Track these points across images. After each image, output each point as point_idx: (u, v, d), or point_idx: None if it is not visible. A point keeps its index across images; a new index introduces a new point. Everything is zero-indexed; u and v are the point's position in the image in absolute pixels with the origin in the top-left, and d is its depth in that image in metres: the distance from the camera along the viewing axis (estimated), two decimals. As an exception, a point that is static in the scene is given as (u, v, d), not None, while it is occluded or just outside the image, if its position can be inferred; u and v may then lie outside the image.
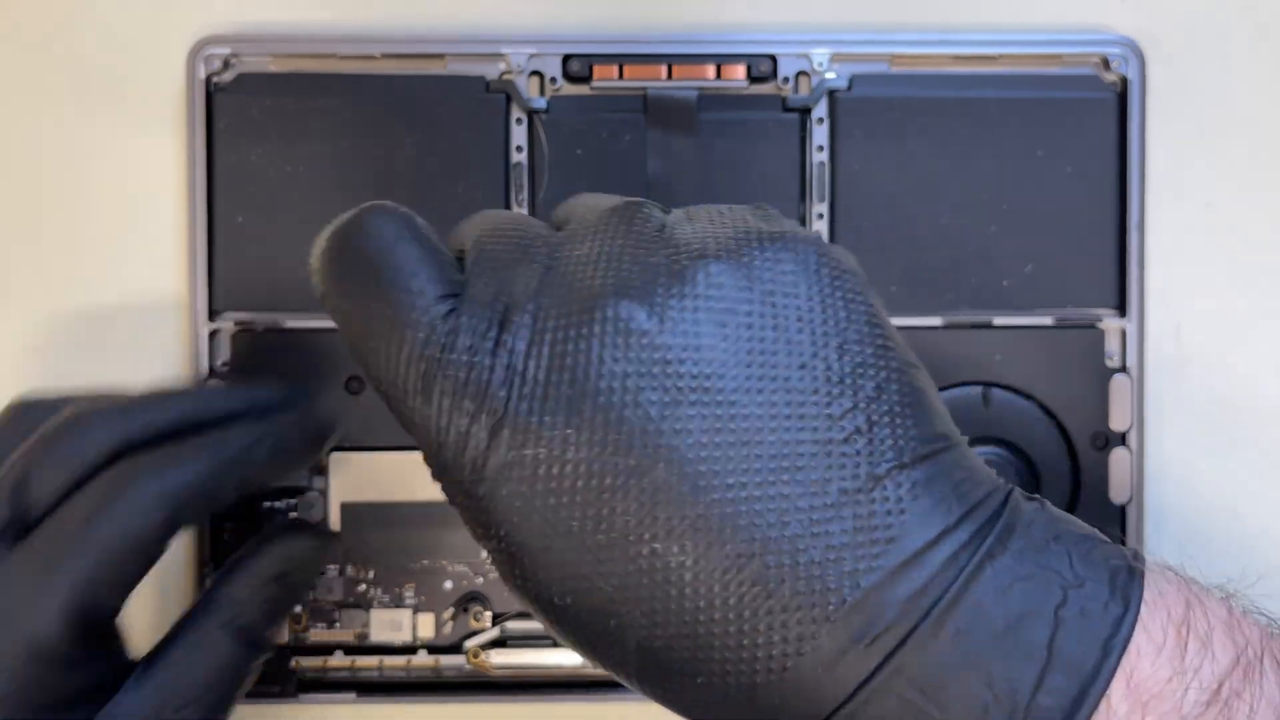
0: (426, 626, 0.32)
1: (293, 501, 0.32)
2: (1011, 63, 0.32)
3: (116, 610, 0.24)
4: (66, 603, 0.22)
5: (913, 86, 0.32)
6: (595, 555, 0.17)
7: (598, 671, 0.32)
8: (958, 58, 0.32)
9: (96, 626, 0.23)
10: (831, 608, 0.16)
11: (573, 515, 0.17)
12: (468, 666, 0.32)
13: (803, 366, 0.18)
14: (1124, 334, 0.32)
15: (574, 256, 0.19)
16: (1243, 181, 0.33)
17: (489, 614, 0.32)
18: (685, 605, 0.17)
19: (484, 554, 0.32)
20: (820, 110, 0.32)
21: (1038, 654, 0.16)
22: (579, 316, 0.18)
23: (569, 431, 0.17)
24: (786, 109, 0.32)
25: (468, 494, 0.18)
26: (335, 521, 0.32)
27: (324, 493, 0.32)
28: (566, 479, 0.17)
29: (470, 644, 0.32)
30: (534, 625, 0.32)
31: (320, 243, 0.20)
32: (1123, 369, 0.32)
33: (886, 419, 0.18)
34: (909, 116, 0.32)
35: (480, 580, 0.32)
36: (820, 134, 0.32)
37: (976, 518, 0.17)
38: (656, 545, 0.17)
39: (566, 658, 0.32)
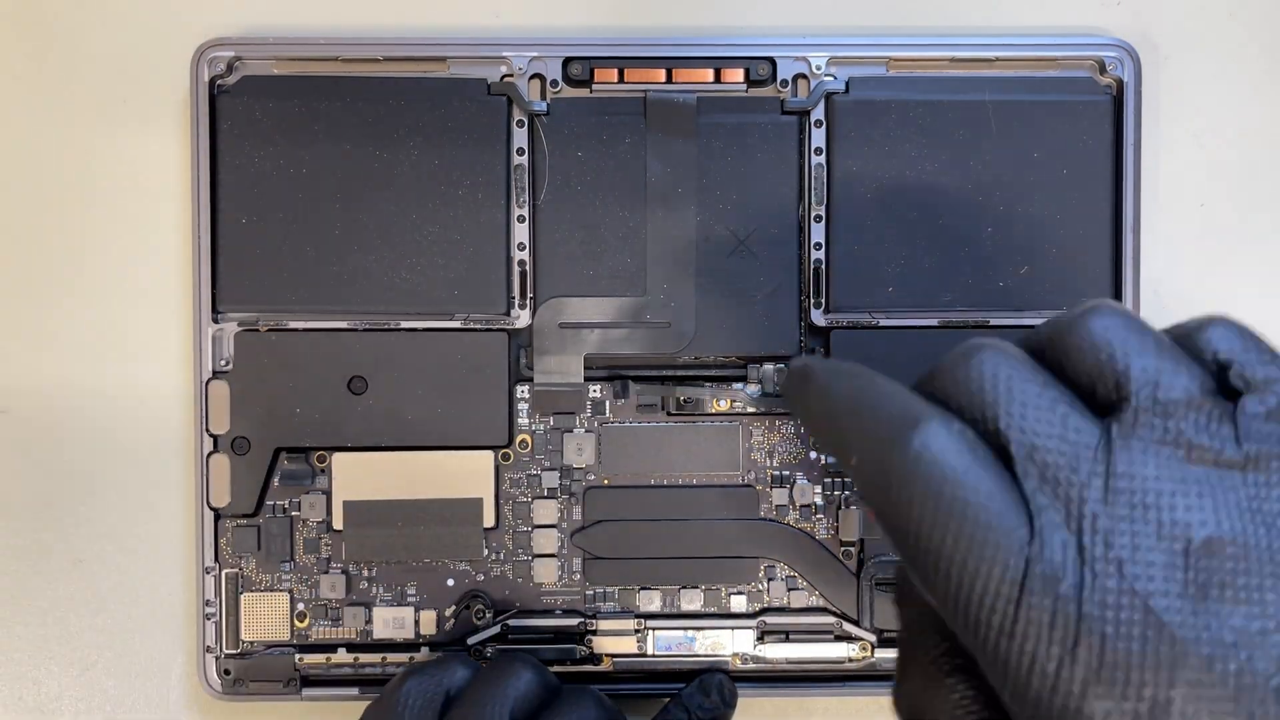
0: (429, 624, 0.32)
1: (296, 500, 0.32)
2: (1007, 65, 0.32)
3: None
4: None
5: (910, 89, 0.32)
6: None
7: (594, 668, 0.33)
8: (954, 60, 0.32)
9: None
10: None
11: None
12: (469, 663, 0.32)
13: None
14: (1119, 334, 0.32)
15: (1140, 476, 0.18)
16: (1236, 183, 0.33)
17: (491, 611, 0.32)
18: None
19: (485, 551, 0.32)
20: (818, 113, 0.32)
21: None
22: (1179, 574, 0.17)
23: (1172, 693, 0.17)
24: (785, 112, 0.32)
25: None
26: (338, 520, 0.32)
27: (327, 492, 0.32)
28: None
29: (472, 641, 0.32)
30: (533, 622, 0.32)
31: (872, 443, 0.19)
32: (1117, 369, 0.32)
33: None
34: (906, 119, 0.32)
35: (482, 578, 0.32)
36: (818, 136, 0.32)
37: None
38: None
39: (565, 655, 0.32)
